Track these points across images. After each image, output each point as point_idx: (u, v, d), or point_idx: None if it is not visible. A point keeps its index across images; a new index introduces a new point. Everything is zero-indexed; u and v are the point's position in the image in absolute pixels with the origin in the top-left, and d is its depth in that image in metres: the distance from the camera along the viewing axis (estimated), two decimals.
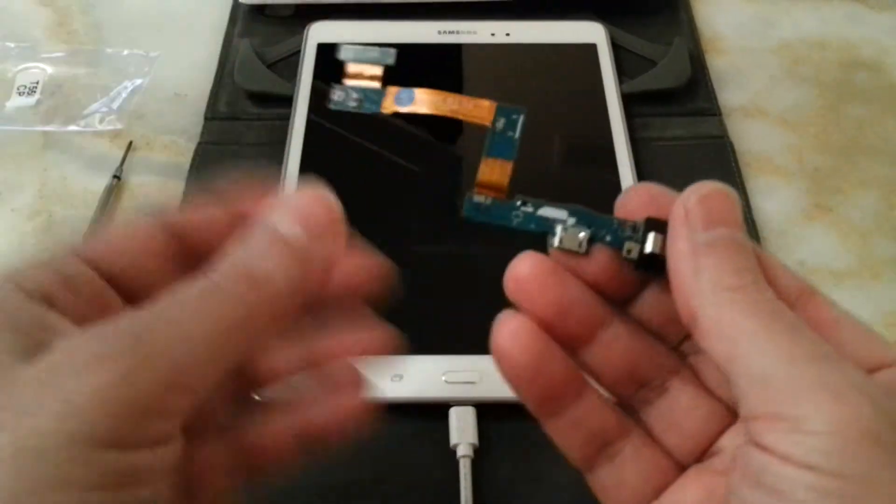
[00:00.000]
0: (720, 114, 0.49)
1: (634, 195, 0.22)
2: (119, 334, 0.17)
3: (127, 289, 0.20)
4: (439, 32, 0.52)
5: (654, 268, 0.21)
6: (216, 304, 0.18)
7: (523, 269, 0.21)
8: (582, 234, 0.22)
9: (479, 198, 0.22)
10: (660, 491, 0.22)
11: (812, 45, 0.54)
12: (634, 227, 0.21)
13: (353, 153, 0.44)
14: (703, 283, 0.19)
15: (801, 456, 0.17)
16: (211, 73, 0.51)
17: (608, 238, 0.22)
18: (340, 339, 0.24)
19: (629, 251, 0.21)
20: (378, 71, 0.23)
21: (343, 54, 0.23)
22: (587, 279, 0.22)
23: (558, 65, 0.51)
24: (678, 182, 0.20)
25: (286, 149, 0.45)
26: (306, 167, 0.44)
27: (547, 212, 0.22)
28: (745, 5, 0.57)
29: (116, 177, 0.46)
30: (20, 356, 0.16)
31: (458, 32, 0.51)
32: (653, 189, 0.22)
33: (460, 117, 0.22)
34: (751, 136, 0.49)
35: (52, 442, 0.15)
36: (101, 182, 0.46)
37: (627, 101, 0.48)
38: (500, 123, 0.22)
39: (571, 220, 0.22)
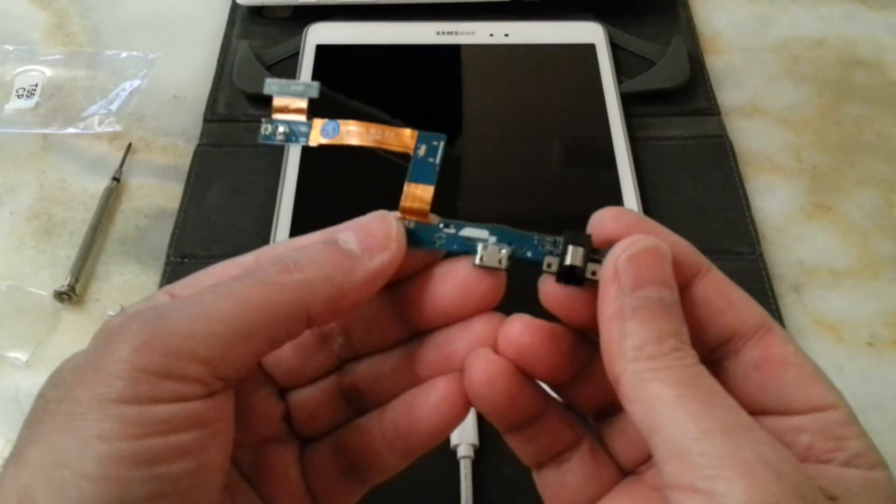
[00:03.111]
0: (719, 113, 0.49)
1: (606, 221, 0.22)
2: (146, 312, 0.20)
3: None
4: (438, 33, 0.52)
5: (575, 280, 0.22)
6: (244, 285, 0.20)
7: (522, 337, 0.22)
8: (503, 252, 0.22)
9: (404, 222, 0.23)
10: (597, 498, 0.23)
11: (810, 43, 0.54)
12: (554, 243, 0.22)
13: (352, 154, 0.44)
14: (626, 349, 0.20)
15: None
16: (210, 74, 0.51)
17: (529, 254, 0.22)
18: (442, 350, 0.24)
19: (549, 265, 0.22)
20: (303, 104, 0.23)
21: (267, 88, 0.24)
22: (580, 322, 0.22)
23: (557, 65, 0.51)
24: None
25: (285, 150, 0.45)
26: (305, 168, 0.44)
27: (468, 232, 0.23)
28: (744, 4, 0.57)
29: (116, 179, 0.46)
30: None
31: (457, 33, 0.52)
32: (624, 216, 0.22)
33: (384, 146, 0.23)
34: (750, 135, 0.49)
35: (87, 405, 0.18)
36: (100, 184, 0.46)
37: (626, 100, 0.48)
38: (422, 150, 0.23)
39: (492, 239, 0.23)
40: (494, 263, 0.22)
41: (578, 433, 0.24)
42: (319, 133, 0.23)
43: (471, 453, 0.34)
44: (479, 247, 0.22)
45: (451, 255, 0.23)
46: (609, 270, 0.21)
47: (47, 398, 0.20)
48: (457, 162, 0.46)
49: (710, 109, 0.49)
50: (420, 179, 0.23)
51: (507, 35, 0.51)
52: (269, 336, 0.20)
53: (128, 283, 0.42)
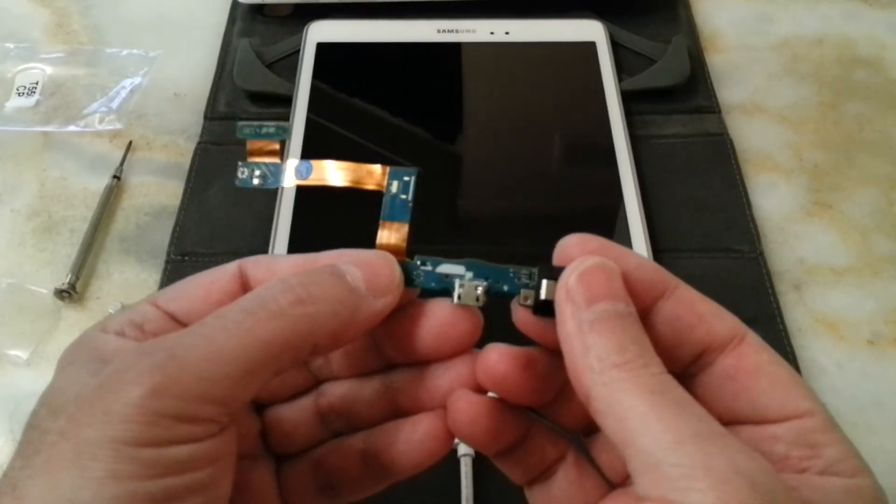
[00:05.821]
0: (720, 111, 0.49)
1: (571, 248, 0.22)
2: (156, 352, 0.19)
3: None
4: (438, 31, 0.52)
5: (551, 313, 0.22)
6: (255, 319, 0.20)
7: (498, 367, 0.22)
8: (479, 289, 0.22)
9: None
10: None
11: (811, 42, 0.54)
12: (530, 275, 0.22)
13: (353, 152, 0.44)
14: (591, 362, 0.20)
15: None
16: (210, 72, 0.51)
17: (506, 287, 0.23)
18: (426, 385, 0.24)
19: (526, 298, 0.22)
20: (276, 146, 0.24)
21: (239, 132, 0.24)
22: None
23: (558, 63, 0.51)
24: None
25: (286, 148, 0.45)
26: None
27: (445, 268, 0.23)
28: (744, 3, 0.57)
29: (116, 177, 0.46)
30: (93, 374, 0.20)
31: (458, 31, 0.51)
32: (588, 243, 0.22)
33: (361, 186, 0.23)
34: (750, 134, 0.49)
35: (99, 446, 0.18)
36: (100, 182, 0.46)
37: (627, 98, 0.48)
38: (394, 186, 0.23)
39: (469, 275, 0.23)
40: (472, 301, 0.22)
41: (563, 448, 0.24)
42: (294, 174, 0.24)
43: (471, 452, 0.34)
44: (457, 284, 0.22)
45: (426, 291, 0.23)
46: (562, 293, 0.21)
47: (44, 429, 0.19)
48: (457, 160, 0.46)
49: (711, 107, 0.49)
50: (394, 217, 0.23)
51: (507, 33, 0.51)
52: (278, 368, 0.21)
53: (128, 282, 0.42)
